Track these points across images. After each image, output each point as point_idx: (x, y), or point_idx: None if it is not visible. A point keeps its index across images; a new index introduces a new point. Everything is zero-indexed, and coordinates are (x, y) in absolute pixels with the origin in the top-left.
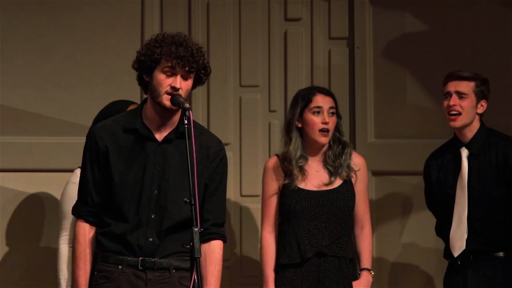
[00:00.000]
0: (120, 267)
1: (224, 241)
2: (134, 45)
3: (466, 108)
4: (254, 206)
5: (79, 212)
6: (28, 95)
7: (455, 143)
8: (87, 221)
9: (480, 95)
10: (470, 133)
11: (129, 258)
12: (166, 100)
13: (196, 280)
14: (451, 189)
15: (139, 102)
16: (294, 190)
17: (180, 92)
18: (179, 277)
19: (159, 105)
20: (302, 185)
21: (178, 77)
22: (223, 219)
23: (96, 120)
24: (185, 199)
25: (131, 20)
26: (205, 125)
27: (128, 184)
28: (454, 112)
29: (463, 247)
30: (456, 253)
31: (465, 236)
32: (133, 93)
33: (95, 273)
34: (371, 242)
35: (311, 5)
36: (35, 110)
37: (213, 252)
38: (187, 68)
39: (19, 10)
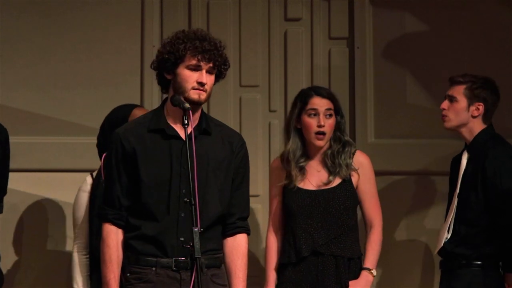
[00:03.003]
0: (153, 268)
1: (248, 234)
2: (134, 45)
3: (455, 111)
4: (254, 206)
5: (106, 215)
6: (29, 95)
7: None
8: (114, 224)
9: (473, 98)
10: (468, 135)
11: (162, 259)
12: (194, 95)
13: (196, 280)
14: (452, 190)
15: (139, 102)
16: (293, 190)
17: (206, 87)
18: (211, 275)
19: (186, 100)
20: (301, 185)
21: (204, 72)
22: (248, 213)
23: (103, 127)
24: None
25: (131, 20)
26: None
27: (157, 184)
28: (443, 115)
29: (441, 245)
30: (435, 251)
31: (447, 236)
32: (133, 93)
33: (128, 274)
34: (378, 242)
35: (311, 5)
36: (35, 110)
37: (239, 246)
38: (212, 63)
39: (19, 11)
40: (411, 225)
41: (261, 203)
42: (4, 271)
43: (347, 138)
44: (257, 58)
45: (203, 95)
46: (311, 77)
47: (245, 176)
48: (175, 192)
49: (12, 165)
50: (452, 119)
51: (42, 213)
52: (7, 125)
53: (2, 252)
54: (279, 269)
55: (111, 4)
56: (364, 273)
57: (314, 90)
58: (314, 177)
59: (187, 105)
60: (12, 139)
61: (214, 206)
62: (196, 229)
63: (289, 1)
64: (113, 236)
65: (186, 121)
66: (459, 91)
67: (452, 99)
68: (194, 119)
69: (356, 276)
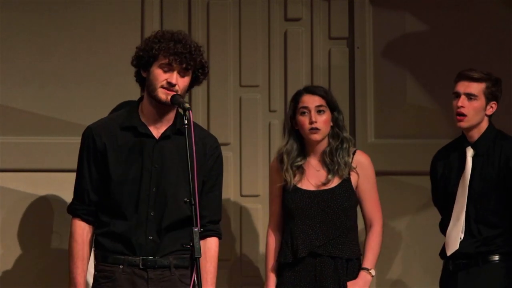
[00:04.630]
0: (121, 267)
1: (219, 238)
2: (134, 45)
3: (475, 110)
4: (254, 206)
5: (75, 210)
6: (28, 94)
7: (462, 142)
8: (83, 219)
9: (490, 97)
10: (477, 133)
11: (129, 257)
12: (161, 94)
13: (196, 280)
14: (454, 187)
15: None
16: (292, 190)
17: (176, 88)
18: (179, 275)
19: (154, 99)
20: (300, 185)
21: (175, 73)
22: (219, 216)
23: None
24: (185, 199)
25: (131, 20)
26: (205, 125)
27: (126, 182)
28: (461, 113)
29: (457, 247)
30: (449, 252)
31: (460, 236)
32: (133, 93)
33: (95, 273)
34: (378, 242)
35: (311, 5)
36: (35, 110)
37: (209, 249)
38: (184, 65)
39: (19, 10)
40: (411, 225)
41: (261, 203)
42: (4, 271)
43: (345, 134)
44: (257, 58)
45: None
46: (311, 77)
47: (218, 179)
48: (145, 190)
49: (12, 165)
50: (472, 118)
51: (42, 213)
52: (7, 125)
53: (2, 252)
54: (278, 269)
55: (111, 3)
56: (362, 273)
57: (305, 89)
58: (314, 177)
59: (187, 105)
60: (13, 139)
61: (182, 206)
62: (196, 229)
63: (289, 1)
64: (81, 231)
65: (186, 121)
66: (478, 89)
67: (471, 97)
68: (169, 119)
69: (354, 276)
